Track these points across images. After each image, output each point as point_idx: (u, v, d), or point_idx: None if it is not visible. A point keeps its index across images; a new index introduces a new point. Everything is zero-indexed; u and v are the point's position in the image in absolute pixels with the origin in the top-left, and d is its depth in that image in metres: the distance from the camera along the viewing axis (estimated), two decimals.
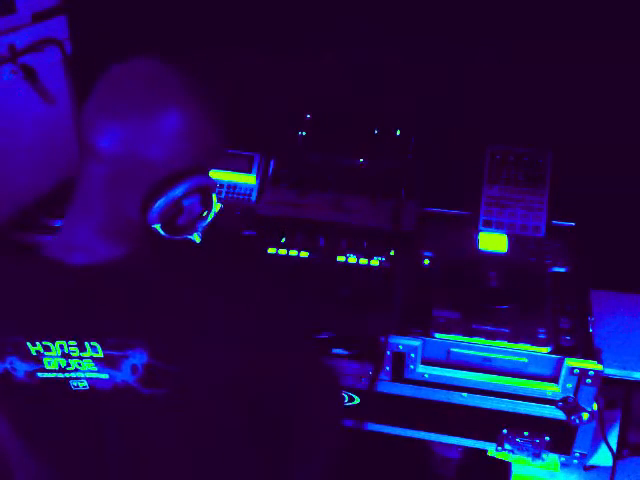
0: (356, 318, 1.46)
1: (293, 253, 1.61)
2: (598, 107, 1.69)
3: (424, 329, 1.43)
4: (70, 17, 1.84)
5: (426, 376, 1.43)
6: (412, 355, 1.41)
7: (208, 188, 1.01)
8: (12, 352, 1.00)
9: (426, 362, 1.44)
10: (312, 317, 1.42)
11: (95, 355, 0.99)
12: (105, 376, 1.00)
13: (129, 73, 1.02)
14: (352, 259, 1.59)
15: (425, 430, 1.50)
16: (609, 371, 1.41)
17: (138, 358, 0.98)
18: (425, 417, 1.48)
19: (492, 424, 1.45)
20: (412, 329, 1.43)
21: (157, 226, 0.99)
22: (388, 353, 1.42)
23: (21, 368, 1.01)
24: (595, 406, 1.38)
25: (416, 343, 1.41)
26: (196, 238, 1.02)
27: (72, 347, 1.00)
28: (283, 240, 1.64)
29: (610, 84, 1.67)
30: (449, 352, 1.42)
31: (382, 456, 1.79)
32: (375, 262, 1.58)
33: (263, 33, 1.84)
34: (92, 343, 0.99)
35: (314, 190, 1.75)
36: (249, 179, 1.85)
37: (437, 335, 1.42)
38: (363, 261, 1.59)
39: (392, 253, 1.59)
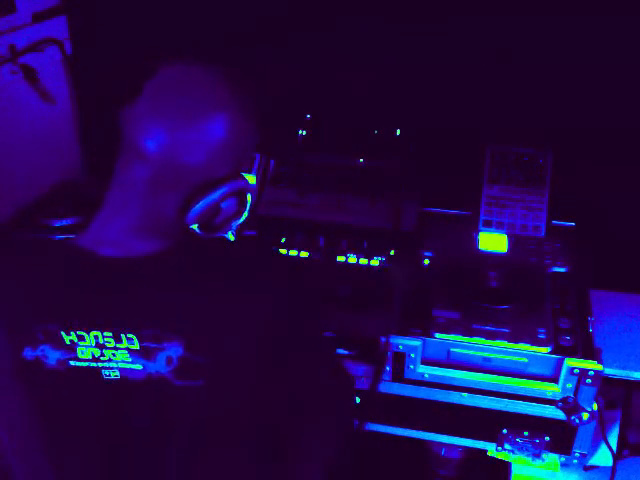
0: (356, 318, 1.46)
1: (293, 253, 1.62)
2: (598, 107, 1.69)
3: (424, 329, 1.43)
4: (70, 17, 1.84)
5: (426, 376, 1.43)
6: (412, 355, 1.41)
7: (245, 190, 1.06)
8: (45, 340, 1.01)
9: (426, 362, 1.44)
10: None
11: (131, 347, 1.00)
12: (139, 367, 1.01)
13: (180, 77, 1.04)
14: (352, 259, 1.59)
15: (425, 430, 1.50)
16: (609, 371, 1.41)
17: (174, 350, 0.99)
18: (425, 417, 1.48)
19: (492, 424, 1.45)
20: (412, 329, 1.43)
21: (194, 226, 1.02)
22: (388, 353, 1.42)
23: (53, 356, 1.02)
24: (595, 406, 1.38)
25: (416, 343, 1.41)
26: (230, 236, 1.06)
27: (107, 338, 1.01)
28: (283, 240, 1.64)
29: (610, 84, 1.67)
30: (449, 352, 1.42)
31: (382, 456, 1.79)
32: (375, 262, 1.58)
33: (263, 33, 1.84)
34: (129, 335, 1.00)
35: (314, 190, 1.75)
36: (249, 179, 1.85)
37: (437, 335, 1.42)
38: (363, 261, 1.59)
39: (392, 253, 1.59)
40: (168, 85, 1.03)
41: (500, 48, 1.71)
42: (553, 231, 1.69)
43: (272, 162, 1.85)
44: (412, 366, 1.43)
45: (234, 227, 1.07)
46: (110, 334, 1.00)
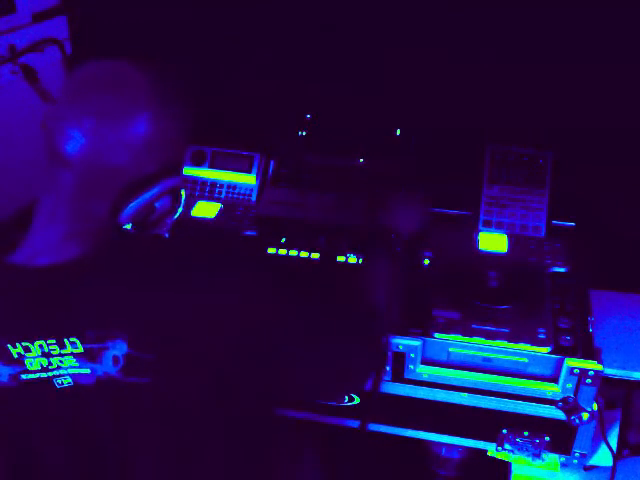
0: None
1: (293, 253, 1.61)
2: (598, 107, 1.69)
3: (424, 329, 1.43)
4: (70, 17, 1.84)
5: (426, 376, 1.43)
6: (412, 355, 1.41)
7: (178, 187, 1.03)
8: None
9: (426, 362, 1.44)
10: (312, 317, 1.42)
11: (75, 351, 0.99)
12: (87, 371, 1.00)
13: (95, 76, 1.01)
14: (352, 259, 1.59)
15: (425, 430, 1.50)
16: (609, 371, 1.41)
17: (118, 349, 0.98)
18: (425, 417, 1.48)
19: (492, 424, 1.45)
20: (412, 329, 1.43)
21: (128, 225, 1.00)
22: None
23: (4, 372, 1.01)
24: (595, 406, 1.38)
25: (416, 343, 1.41)
26: (165, 233, 1.05)
27: (52, 345, 0.99)
28: (283, 240, 1.64)
29: (610, 84, 1.67)
30: (449, 352, 1.42)
31: (382, 456, 1.79)
32: None
33: (263, 33, 1.84)
34: (71, 339, 0.99)
35: (314, 190, 1.75)
36: (249, 179, 1.85)
37: (437, 335, 1.42)
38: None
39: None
40: (82, 85, 1.01)
41: (500, 48, 1.71)
42: (553, 231, 1.69)
43: (272, 162, 1.85)
44: (412, 366, 1.43)
45: (169, 224, 1.05)
46: (54, 341, 0.99)
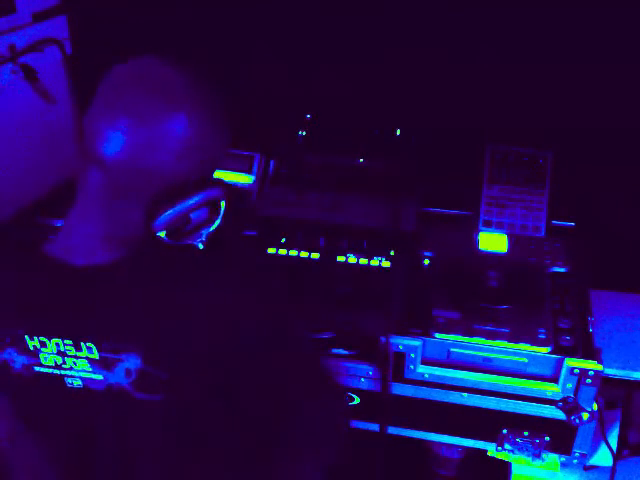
0: (356, 318, 1.46)
1: (293, 253, 1.61)
2: (598, 107, 1.69)
3: (424, 329, 1.43)
4: (70, 17, 1.84)
5: (426, 376, 1.43)
6: (412, 355, 1.41)
7: (218, 199, 1.00)
8: (10, 344, 1.00)
9: (426, 362, 1.44)
10: (312, 317, 1.42)
11: (91, 356, 0.99)
12: (99, 377, 1.00)
13: (133, 75, 0.98)
14: (352, 259, 1.59)
15: (425, 430, 1.50)
16: (609, 371, 1.41)
17: (132, 362, 0.98)
18: (425, 417, 1.48)
19: (492, 424, 1.45)
20: (412, 329, 1.43)
21: (162, 233, 0.98)
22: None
23: (19, 360, 1.01)
24: (595, 406, 1.38)
25: (416, 343, 1.41)
26: (200, 245, 1.01)
27: (68, 346, 0.99)
28: (283, 240, 1.64)
29: (610, 84, 1.67)
30: (449, 352, 1.42)
31: (382, 456, 1.79)
32: (375, 262, 1.58)
33: (262, 33, 1.84)
34: (88, 344, 0.98)
35: (314, 190, 1.75)
36: (249, 179, 1.85)
37: (437, 335, 1.42)
38: (363, 261, 1.59)
39: (392, 253, 1.59)
40: (120, 85, 0.98)
41: (500, 48, 1.71)
42: (553, 231, 1.69)
43: (272, 162, 1.85)
44: (412, 366, 1.43)
45: (204, 235, 1.01)
46: (70, 342, 0.99)
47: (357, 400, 1.48)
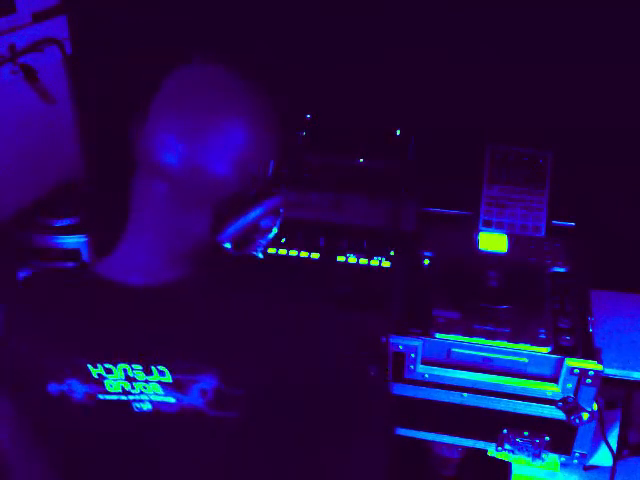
0: (356, 318, 1.46)
1: (293, 253, 1.61)
2: (598, 107, 1.69)
3: (424, 329, 1.43)
4: (70, 17, 1.84)
5: (426, 376, 1.43)
6: (412, 355, 1.41)
7: (279, 206, 0.98)
8: (71, 374, 0.95)
9: (426, 362, 1.44)
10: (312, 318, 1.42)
11: (163, 379, 0.94)
12: (172, 400, 0.95)
13: (194, 83, 0.95)
14: (352, 259, 1.59)
15: (425, 430, 1.50)
16: (609, 371, 1.41)
17: (208, 382, 0.93)
18: (425, 417, 1.48)
19: (492, 424, 1.45)
20: (412, 329, 1.43)
21: (227, 245, 0.95)
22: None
23: (80, 390, 0.95)
24: (595, 406, 1.38)
25: (416, 343, 1.41)
26: (259, 254, 1.00)
27: (137, 371, 0.94)
28: (283, 240, 1.64)
29: (610, 84, 1.67)
30: (449, 352, 1.42)
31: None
32: (375, 262, 1.58)
33: (262, 33, 1.84)
34: (160, 367, 0.93)
35: (314, 190, 1.75)
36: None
37: (437, 335, 1.42)
38: (363, 261, 1.59)
39: (392, 253, 1.59)
40: (181, 91, 0.95)
41: (500, 48, 1.71)
42: (553, 231, 1.69)
43: (272, 162, 1.84)
44: (412, 366, 1.43)
45: (264, 244, 1.00)
46: (140, 367, 0.94)
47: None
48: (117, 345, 0.95)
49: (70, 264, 1.69)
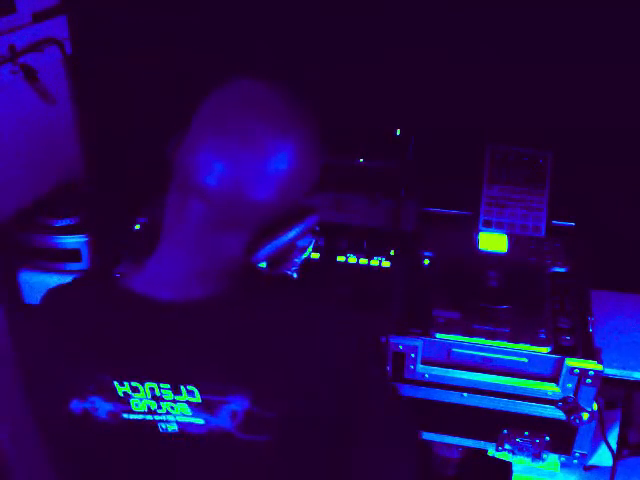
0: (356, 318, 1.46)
1: None
2: (598, 107, 1.69)
3: (424, 329, 1.43)
4: (70, 17, 1.84)
5: (426, 376, 1.43)
6: (412, 355, 1.41)
7: (315, 225, 0.97)
8: (95, 391, 0.93)
9: (426, 362, 1.44)
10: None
11: (192, 399, 0.91)
12: (200, 421, 0.92)
13: (237, 102, 0.92)
14: (352, 259, 1.59)
15: (425, 430, 1.50)
16: (609, 371, 1.41)
17: (239, 404, 0.90)
18: (425, 417, 1.48)
19: (492, 424, 1.45)
20: (412, 329, 1.43)
21: (262, 264, 0.94)
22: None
23: (104, 408, 0.93)
24: (595, 406, 1.38)
25: (416, 343, 1.41)
26: (294, 273, 0.98)
27: (165, 390, 0.91)
28: None
29: (610, 84, 1.67)
30: (449, 352, 1.42)
31: None
32: (375, 262, 1.58)
33: (262, 33, 1.84)
34: (189, 387, 0.91)
35: (314, 190, 1.75)
36: None
37: (437, 335, 1.42)
38: (363, 261, 1.59)
39: (392, 253, 1.59)
40: (224, 111, 0.91)
41: (500, 48, 1.71)
42: (553, 231, 1.69)
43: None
44: (412, 366, 1.43)
45: (299, 262, 0.98)
46: (168, 386, 0.91)
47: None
48: (146, 362, 0.92)
49: (70, 264, 1.69)
